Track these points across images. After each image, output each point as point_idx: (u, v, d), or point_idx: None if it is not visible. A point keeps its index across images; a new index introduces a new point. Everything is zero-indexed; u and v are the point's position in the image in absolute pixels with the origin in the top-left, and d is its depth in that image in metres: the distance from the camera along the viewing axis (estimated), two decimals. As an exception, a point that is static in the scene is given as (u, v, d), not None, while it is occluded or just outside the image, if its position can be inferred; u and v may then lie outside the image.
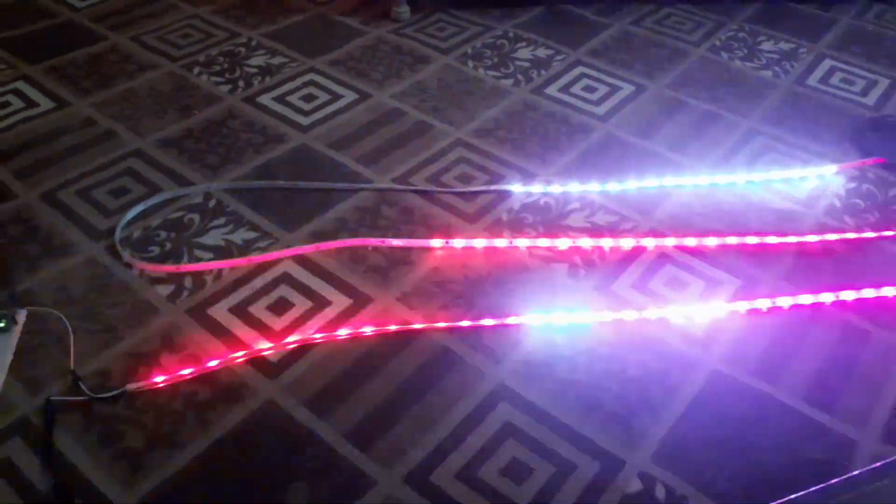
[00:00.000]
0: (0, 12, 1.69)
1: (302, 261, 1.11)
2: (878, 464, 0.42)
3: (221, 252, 1.12)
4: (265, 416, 0.91)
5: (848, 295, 1.08)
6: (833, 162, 1.34)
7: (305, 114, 1.42)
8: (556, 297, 1.08)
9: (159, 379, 0.94)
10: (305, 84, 1.50)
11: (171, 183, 1.24)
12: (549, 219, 1.21)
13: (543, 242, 1.16)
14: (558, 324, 1.03)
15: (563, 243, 1.16)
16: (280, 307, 1.04)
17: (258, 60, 1.56)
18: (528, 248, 1.15)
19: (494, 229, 1.19)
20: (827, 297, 1.08)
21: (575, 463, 0.88)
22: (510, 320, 1.03)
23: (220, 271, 1.09)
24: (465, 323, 1.03)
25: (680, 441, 0.90)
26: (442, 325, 1.02)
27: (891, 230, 1.21)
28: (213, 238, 1.14)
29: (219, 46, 1.60)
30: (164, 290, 1.06)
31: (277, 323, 1.02)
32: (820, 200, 1.27)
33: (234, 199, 1.22)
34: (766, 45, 1.68)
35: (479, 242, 1.15)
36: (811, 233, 1.19)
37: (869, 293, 1.09)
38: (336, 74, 1.53)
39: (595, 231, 1.19)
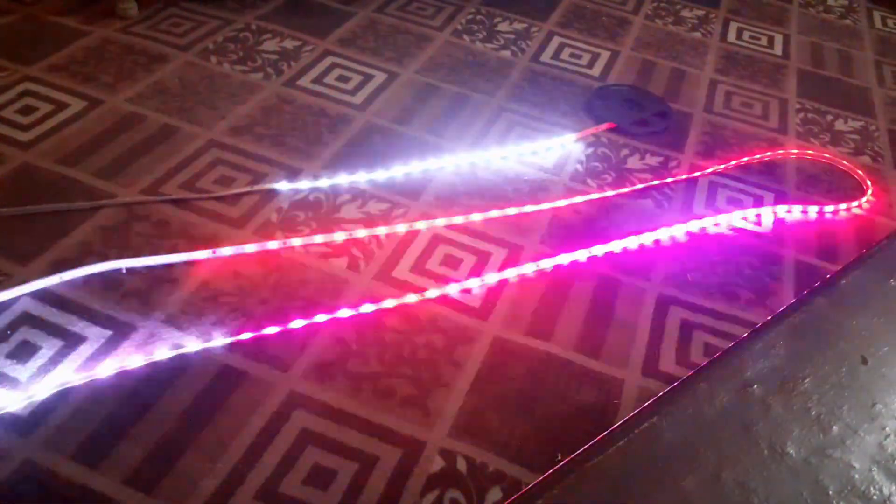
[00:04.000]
0: None
1: (44, 296, 0.97)
2: (640, 407, 0.46)
3: (-63, 300, 0.95)
4: (24, 480, 0.79)
5: (598, 250, 1.20)
6: (572, 131, 1.47)
7: (24, 128, 1.24)
8: (338, 292, 1.06)
9: None
10: (20, 95, 1.31)
11: None
12: (322, 214, 1.18)
13: (319, 238, 1.13)
14: (344, 319, 1.02)
15: (339, 237, 1.14)
16: (24, 353, 0.90)
17: (-45, 71, 1.33)
18: (304, 246, 1.12)
19: (265, 231, 1.13)
20: (582, 255, 1.18)
21: (377, 455, 0.87)
22: (294, 324, 1.00)
23: (-63, 323, 0.92)
24: (245, 336, 0.97)
25: (473, 412, 0.94)
26: (219, 342, 0.96)
27: (626, 187, 1.35)
28: (-78, 286, 0.96)
29: None
30: None
31: (23, 372, 0.89)
32: (565, 167, 1.38)
33: (-54, 236, 1.03)
34: (503, 27, 1.79)
35: (250, 247, 1.09)
36: (561, 198, 1.30)
37: (615, 246, 1.21)
38: (58, 81, 1.35)
39: (369, 220, 1.19)
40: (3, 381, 0.87)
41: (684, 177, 1.40)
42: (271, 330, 0.98)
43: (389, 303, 1.05)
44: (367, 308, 1.04)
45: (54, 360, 0.90)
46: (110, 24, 1.53)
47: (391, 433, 0.90)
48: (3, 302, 0.96)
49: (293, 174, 1.25)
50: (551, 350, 1.03)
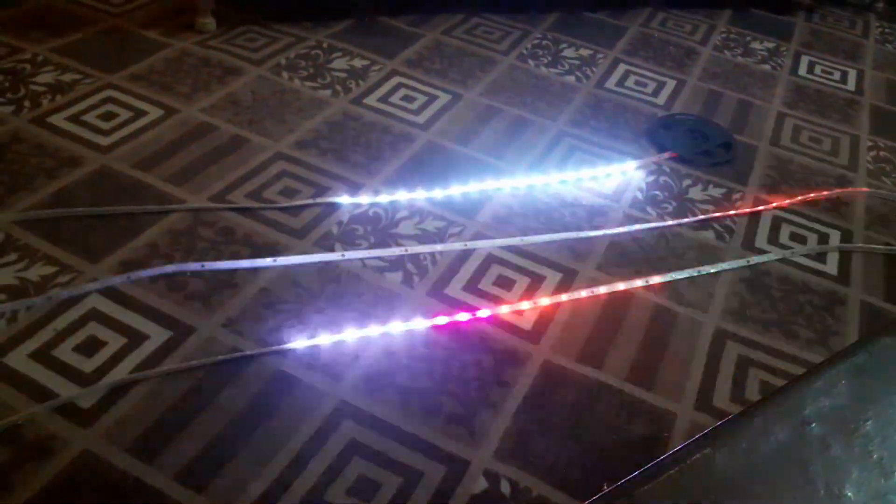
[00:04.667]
0: None
1: (111, 294, 1.01)
2: (695, 437, 0.45)
3: (15, 292, 0.99)
4: (82, 470, 0.82)
5: (656, 279, 1.18)
6: (633, 158, 1.46)
7: (105, 133, 1.30)
8: (392, 306, 1.07)
9: (-55, 445, 0.82)
10: (103, 101, 1.37)
11: (-55, 218, 1.09)
12: (380, 228, 1.20)
13: (376, 252, 1.15)
14: (396, 333, 1.03)
15: (395, 252, 1.15)
16: (90, 347, 0.94)
17: (46, 78, 1.41)
18: (361, 259, 1.14)
19: (324, 243, 1.16)
20: (638, 284, 1.17)
21: (421, 471, 0.88)
22: (347, 335, 1.01)
23: (14, 313, 0.97)
24: (300, 344, 0.99)
25: (519, 434, 0.93)
26: (276, 348, 0.98)
27: (687, 217, 1.33)
28: (3, 277, 1.01)
29: (-4, 62, 1.43)
30: (-55, 341, 0.92)
31: (88, 365, 0.92)
32: (625, 194, 1.37)
33: (26, 232, 1.09)
34: (568, 52, 1.80)
35: (310, 258, 1.12)
36: (620, 225, 1.29)
37: (674, 276, 1.19)
38: (138, 90, 1.42)
39: (425, 237, 1.20)
40: (68, 373, 0.91)
41: (747, 210, 1.37)
42: (325, 339, 1.00)
43: (441, 319, 1.06)
44: (419, 323, 1.05)
45: (118, 356, 0.94)
46: (189, 37, 1.60)
47: (436, 450, 0.90)
48: (74, 297, 1.00)
49: (354, 189, 1.27)
50: (602, 378, 1.02)
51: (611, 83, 1.71)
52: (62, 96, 1.37)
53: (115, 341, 0.96)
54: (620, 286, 1.16)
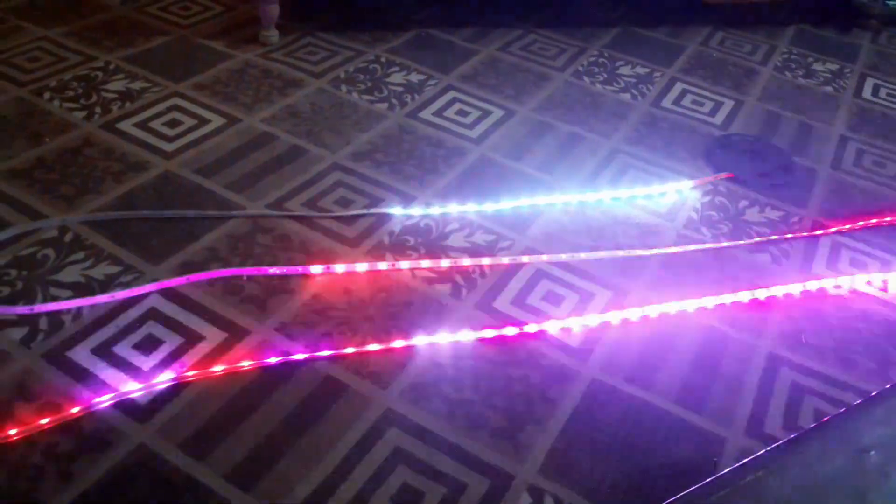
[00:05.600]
0: None
1: (171, 294, 1.05)
2: (745, 460, 0.45)
3: (81, 289, 1.04)
4: (137, 463, 0.85)
5: (708, 301, 1.16)
6: (688, 178, 1.44)
7: (170, 140, 1.35)
8: (440, 317, 1.08)
9: (13, 431, 0.85)
10: (169, 109, 1.43)
11: (20, 216, 1.14)
12: (430, 240, 1.22)
13: (426, 263, 1.16)
14: (443, 344, 1.04)
15: (444, 264, 1.17)
16: (148, 345, 0.98)
17: (117, 85, 1.47)
18: (411, 269, 1.15)
19: (376, 252, 1.18)
20: (690, 305, 1.15)
21: (465, 482, 0.88)
22: (395, 344, 1.02)
23: (79, 310, 1.01)
24: (350, 350, 1.01)
25: (565, 451, 0.93)
26: (325, 353, 1.00)
27: (743, 239, 1.31)
28: (70, 275, 1.06)
29: (72, 71, 1.50)
30: (17, 333, 0.97)
31: (146, 362, 0.96)
32: (679, 214, 1.35)
33: (93, 232, 1.13)
34: (624, 70, 1.79)
35: (361, 266, 1.14)
36: (673, 244, 1.27)
37: (726, 299, 1.17)
38: (202, 99, 1.47)
39: (474, 250, 1.21)
40: (127, 369, 0.94)
41: (805, 234, 1.34)
42: (374, 347, 1.02)
43: (488, 332, 1.06)
44: (466, 335, 1.05)
45: (174, 355, 0.97)
46: (253, 49, 1.65)
47: (480, 463, 0.90)
48: (135, 297, 1.04)
49: (407, 200, 1.29)
50: (650, 399, 1.01)
51: (667, 101, 1.69)
52: (131, 103, 1.43)
53: (172, 340, 0.99)
54: (672, 307, 1.14)
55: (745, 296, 1.18)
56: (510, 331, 1.07)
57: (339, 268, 1.13)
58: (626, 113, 1.63)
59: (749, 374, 1.06)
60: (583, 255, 1.22)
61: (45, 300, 1.01)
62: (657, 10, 2.07)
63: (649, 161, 1.48)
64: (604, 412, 0.98)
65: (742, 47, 1.97)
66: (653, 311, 1.13)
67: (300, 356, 0.99)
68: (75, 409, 0.89)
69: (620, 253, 1.23)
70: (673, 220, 1.34)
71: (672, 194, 1.40)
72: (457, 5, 1.95)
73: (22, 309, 0.99)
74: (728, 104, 1.71)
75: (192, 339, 0.99)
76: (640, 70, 1.80)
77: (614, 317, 1.11)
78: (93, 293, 1.03)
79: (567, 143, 1.50)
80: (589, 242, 1.25)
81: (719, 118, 1.66)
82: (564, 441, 0.94)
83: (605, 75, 1.76)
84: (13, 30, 1.61)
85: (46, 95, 1.42)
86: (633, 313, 1.12)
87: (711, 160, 1.50)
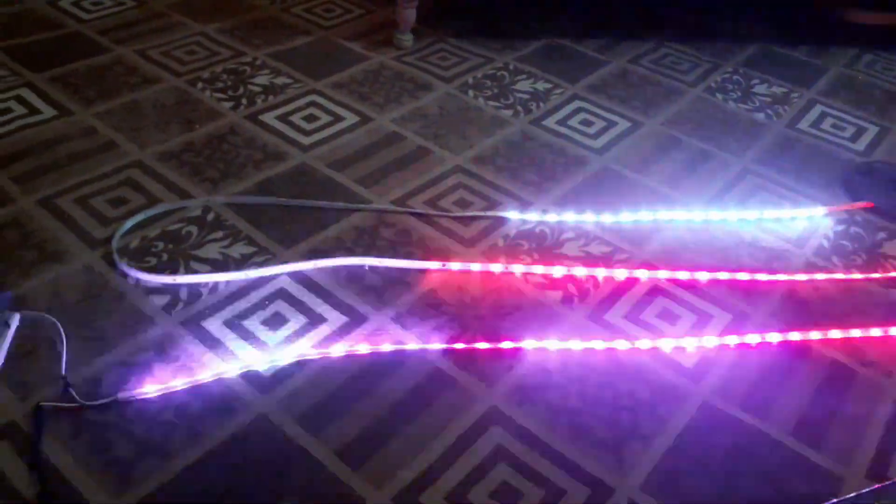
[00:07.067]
0: (6, 21, 1.70)
1: (298, 277, 1.12)
2: (873, 487, 0.43)
3: (218, 265, 1.12)
4: (257, 430, 0.91)
5: (835, 334, 1.10)
6: (823, 204, 1.37)
7: (307, 133, 1.43)
8: (549, 323, 1.09)
9: (151, 389, 0.94)
10: (308, 104, 1.51)
11: (170, 195, 1.25)
12: (545, 246, 1.22)
13: (538, 269, 1.17)
14: (551, 350, 1.04)
15: (557, 271, 1.17)
16: (275, 322, 1.04)
17: (262, 79, 1.58)
18: (524, 274, 1.16)
19: (490, 254, 1.20)
20: (815, 336, 1.10)
21: (564, 489, 0.88)
22: (504, 345, 1.04)
23: (216, 284, 1.09)
24: (460, 345, 1.03)
25: (669, 471, 0.91)
26: (436, 346, 1.03)
27: (878, 272, 1.23)
28: (210, 251, 1.15)
29: (223, 64, 1.62)
30: (160, 300, 1.06)
31: (272, 338, 1.02)
32: (810, 241, 1.29)
33: (233, 214, 1.22)
34: (760, 89, 1.73)
35: (475, 266, 1.16)
36: (801, 272, 1.22)
37: (856, 333, 1.11)
38: (338, 97, 1.55)
39: (589, 260, 1.20)
40: (254, 343, 1.01)
41: (952, 273, 1.24)
42: (483, 345, 1.04)
43: (598, 344, 1.06)
44: (576, 344, 1.05)
45: (298, 333, 1.03)
46: (388, 52, 1.72)
47: (581, 471, 0.90)
48: (267, 277, 1.11)
49: (524, 206, 1.30)
50: (764, 428, 0.97)
51: (804, 124, 1.62)
52: (274, 97, 1.52)
53: (296, 320, 1.05)
54: (795, 336, 1.09)
55: (876, 332, 1.11)
56: (622, 344, 1.06)
57: (455, 266, 1.16)
58: (759, 133, 1.57)
59: (876, 414, 1.00)
60: (704, 275, 1.19)
61: (186, 272, 1.10)
62: (799, 27, 1.98)
63: (781, 184, 1.43)
64: (713, 436, 0.96)
65: (893, 70, 1.85)
66: (774, 338, 1.09)
67: (413, 346, 1.02)
68: (206, 375, 0.96)
69: (743, 276, 1.19)
70: (802, 246, 1.28)
71: (803, 220, 1.34)
72: (589, 16, 1.95)
73: (166, 278, 1.09)
74: (872, 130, 1.61)
75: (314, 320, 1.05)
76: (777, 89, 1.73)
77: (732, 340, 1.08)
78: (228, 270, 1.11)
79: (694, 160, 1.47)
80: (711, 262, 1.22)
81: (861, 144, 1.57)
82: (670, 460, 0.92)
83: (739, 93, 1.70)
84: (175, 25, 1.76)
85: (199, 86, 1.54)
86: (753, 339, 1.08)
87: (849, 188, 1.42)
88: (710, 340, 1.08)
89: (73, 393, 0.92)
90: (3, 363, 0.95)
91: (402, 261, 1.15)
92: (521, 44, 1.81)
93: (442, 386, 0.98)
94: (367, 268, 1.14)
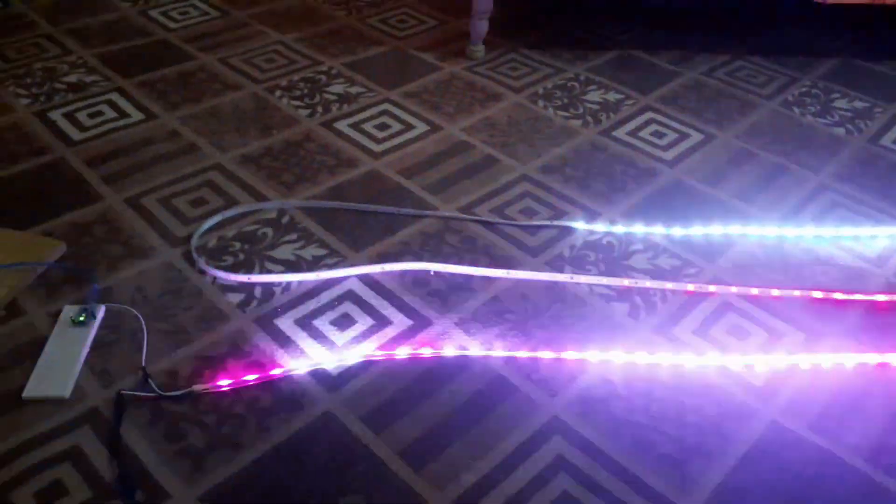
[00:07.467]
0: (100, 29, 1.81)
1: (367, 280, 1.14)
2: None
3: (291, 266, 1.16)
4: (323, 427, 0.93)
5: (917, 358, 1.06)
6: (906, 223, 1.32)
7: (378, 141, 1.46)
8: (614, 335, 1.08)
9: (224, 382, 0.98)
10: (380, 113, 1.55)
11: (247, 197, 1.30)
12: (612, 258, 1.22)
13: (605, 280, 1.16)
14: (616, 362, 1.04)
15: (625, 283, 1.16)
16: (343, 323, 1.07)
17: (337, 88, 1.62)
18: (589, 285, 1.16)
19: (556, 264, 1.20)
20: (893, 359, 1.06)
21: (626, 502, 0.87)
22: (567, 355, 1.04)
23: (288, 284, 1.13)
24: (523, 353, 1.04)
25: (734, 490, 0.89)
26: (499, 353, 1.04)
27: (965, 296, 1.17)
28: (284, 252, 1.19)
29: (301, 72, 1.67)
30: (235, 297, 1.10)
31: (340, 337, 1.05)
32: (890, 261, 1.24)
33: (306, 217, 1.26)
34: (840, 103, 1.67)
35: (540, 275, 1.16)
36: (880, 292, 1.17)
37: (940, 358, 1.06)
38: (410, 106, 1.58)
39: (657, 274, 1.19)
40: (323, 342, 1.04)
41: None
42: (546, 354, 1.04)
43: (665, 358, 1.04)
44: (641, 357, 1.04)
45: (365, 334, 1.06)
46: (459, 62, 1.75)
47: (643, 486, 0.89)
48: (337, 279, 1.14)
49: (591, 216, 1.30)
50: (837, 451, 0.94)
51: (888, 139, 1.55)
52: (348, 105, 1.57)
53: (363, 321, 1.08)
54: (872, 358, 1.05)
55: (963, 358, 1.06)
56: (689, 359, 1.04)
57: (519, 274, 1.16)
58: (838, 148, 1.52)
59: (960, 445, 0.96)
60: (776, 292, 1.16)
61: (260, 272, 1.15)
62: (884, 41, 1.91)
63: (861, 201, 1.38)
64: (782, 456, 0.93)
65: None
66: (849, 360, 1.05)
67: (476, 352, 1.03)
68: (276, 371, 0.99)
69: (818, 294, 1.16)
70: (882, 265, 1.23)
71: (884, 238, 1.29)
72: (662, 28, 1.93)
73: (241, 277, 1.13)
74: (963, 147, 1.54)
75: (381, 322, 1.08)
76: (859, 104, 1.67)
77: (804, 360, 1.05)
78: (301, 270, 1.15)
79: (769, 174, 1.43)
80: (784, 279, 1.19)
81: (951, 162, 1.50)
82: (736, 479, 0.90)
83: (818, 107, 1.65)
84: (256, 34, 1.83)
85: (277, 93, 1.59)
86: (827, 359, 1.05)
87: (936, 206, 1.36)
88: (782, 359, 1.05)
89: (152, 383, 0.96)
90: (89, 352, 1.01)
91: (468, 267, 1.17)
92: (592, 54, 1.80)
93: (504, 393, 0.99)
94: (432, 273, 1.16)
